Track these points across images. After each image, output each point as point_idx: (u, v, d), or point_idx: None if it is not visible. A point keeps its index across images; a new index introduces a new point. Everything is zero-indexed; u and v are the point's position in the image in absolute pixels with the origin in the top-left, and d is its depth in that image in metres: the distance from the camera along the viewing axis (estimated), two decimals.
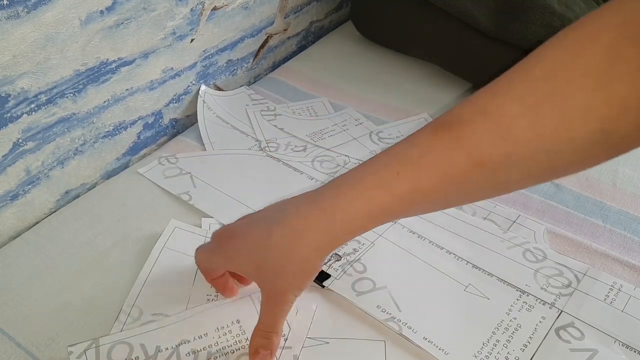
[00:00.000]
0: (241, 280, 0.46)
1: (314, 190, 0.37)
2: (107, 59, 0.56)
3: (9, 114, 0.49)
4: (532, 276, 0.49)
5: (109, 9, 0.54)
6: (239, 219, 0.42)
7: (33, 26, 0.48)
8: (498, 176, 0.32)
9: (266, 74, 0.81)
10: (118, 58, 0.57)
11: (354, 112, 0.70)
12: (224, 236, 0.40)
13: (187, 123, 0.71)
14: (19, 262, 0.50)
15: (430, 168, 0.33)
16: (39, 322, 0.45)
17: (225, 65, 0.74)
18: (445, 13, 0.71)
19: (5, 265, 0.50)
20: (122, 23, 0.56)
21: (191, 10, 0.63)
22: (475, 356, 0.42)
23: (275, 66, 0.84)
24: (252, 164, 0.61)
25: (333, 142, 0.65)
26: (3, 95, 0.48)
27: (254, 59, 0.79)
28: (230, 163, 0.61)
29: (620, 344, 0.43)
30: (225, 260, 0.40)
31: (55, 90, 0.52)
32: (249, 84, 0.79)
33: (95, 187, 0.60)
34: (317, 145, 0.64)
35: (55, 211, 0.57)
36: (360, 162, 0.60)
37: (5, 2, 0.45)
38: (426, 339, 0.43)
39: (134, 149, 0.65)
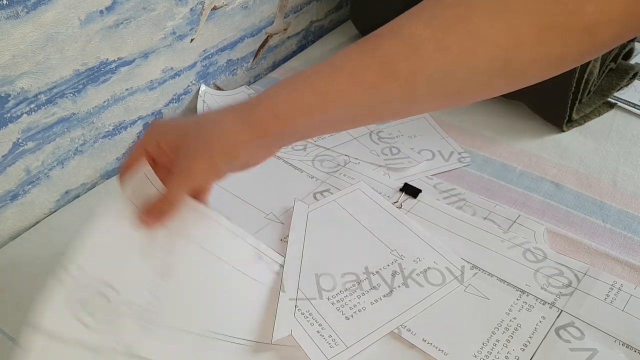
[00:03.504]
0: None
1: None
2: (107, 59, 0.56)
3: (8, 114, 0.49)
4: (532, 276, 0.49)
5: (109, 9, 0.54)
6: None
7: (33, 26, 0.48)
8: (405, 90, 0.35)
9: (266, 74, 0.81)
10: (118, 58, 0.57)
11: None
12: (164, 120, 0.44)
13: None
14: (19, 262, 0.50)
15: (348, 72, 0.36)
16: None
17: (225, 64, 0.74)
18: None
19: (5, 265, 0.50)
20: (122, 23, 0.56)
21: (191, 10, 0.63)
22: (475, 356, 0.42)
23: (275, 66, 0.84)
24: None
25: (333, 141, 0.65)
26: (3, 95, 0.48)
27: (254, 59, 0.79)
28: None
29: (621, 343, 0.43)
30: (158, 128, 0.42)
31: (55, 90, 0.52)
32: (249, 83, 0.79)
33: (95, 187, 0.60)
34: (318, 145, 0.64)
35: (55, 211, 0.57)
36: (359, 161, 0.61)
37: (5, 2, 0.45)
38: (425, 340, 0.43)
39: None
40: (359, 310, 0.45)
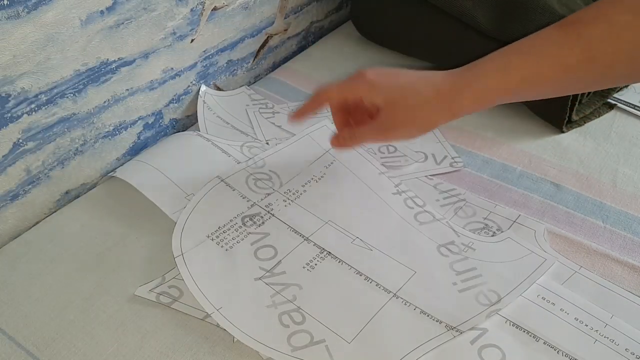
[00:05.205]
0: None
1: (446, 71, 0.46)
2: (107, 59, 0.56)
3: (9, 114, 0.50)
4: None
5: (109, 9, 0.54)
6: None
7: (33, 26, 0.48)
8: (604, 72, 0.39)
9: (266, 74, 0.81)
10: (118, 58, 0.57)
11: None
12: (373, 71, 0.48)
13: (187, 123, 0.71)
14: (19, 262, 0.50)
15: (551, 56, 0.40)
16: (39, 322, 0.45)
17: (225, 65, 0.74)
18: (445, 13, 0.71)
19: (5, 265, 0.50)
20: (123, 23, 0.56)
21: (191, 10, 0.64)
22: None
23: (275, 66, 0.84)
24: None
25: None
26: (3, 95, 0.48)
27: (254, 59, 0.79)
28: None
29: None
30: (365, 85, 0.46)
31: (55, 91, 0.53)
32: (249, 84, 0.79)
33: (95, 187, 0.60)
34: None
35: (55, 211, 0.57)
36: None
37: (5, 2, 0.45)
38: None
39: (134, 149, 0.65)
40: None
